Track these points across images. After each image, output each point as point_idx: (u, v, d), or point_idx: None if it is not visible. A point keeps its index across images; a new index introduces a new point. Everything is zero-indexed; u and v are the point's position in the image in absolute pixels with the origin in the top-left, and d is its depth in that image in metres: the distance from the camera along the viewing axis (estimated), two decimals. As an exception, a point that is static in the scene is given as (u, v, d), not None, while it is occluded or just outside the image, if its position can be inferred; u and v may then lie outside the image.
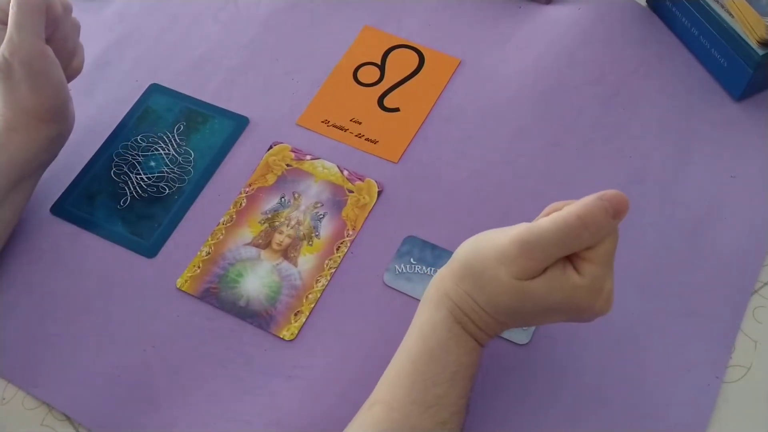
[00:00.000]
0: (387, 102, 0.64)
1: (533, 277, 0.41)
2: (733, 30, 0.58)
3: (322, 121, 0.64)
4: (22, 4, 0.52)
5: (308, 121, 0.64)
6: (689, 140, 0.60)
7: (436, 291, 0.46)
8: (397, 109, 0.64)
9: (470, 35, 0.68)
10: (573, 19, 0.67)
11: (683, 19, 0.63)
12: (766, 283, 0.54)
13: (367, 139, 0.62)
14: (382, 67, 0.66)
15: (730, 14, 0.58)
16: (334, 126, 0.64)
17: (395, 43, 0.68)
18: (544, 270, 0.41)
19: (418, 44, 0.67)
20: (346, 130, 0.63)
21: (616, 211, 0.41)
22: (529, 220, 0.57)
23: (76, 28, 0.59)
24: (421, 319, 0.46)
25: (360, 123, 0.63)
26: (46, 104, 0.56)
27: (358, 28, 0.69)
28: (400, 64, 0.67)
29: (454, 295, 0.44)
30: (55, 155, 0.60)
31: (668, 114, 0.62)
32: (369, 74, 0.66)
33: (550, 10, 0.68)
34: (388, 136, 0.63)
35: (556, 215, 0.41)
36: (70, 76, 0.59)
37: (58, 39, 0.57)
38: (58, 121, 0.57)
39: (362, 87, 0.66)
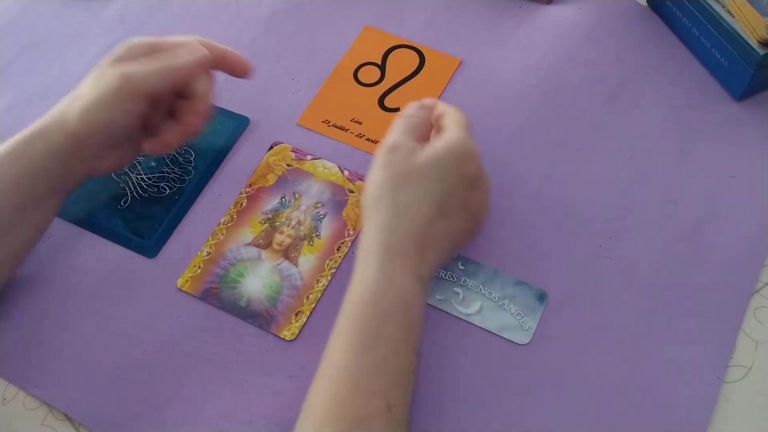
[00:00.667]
0: (388, 102, 0.64)
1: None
2: (734, 30, 0.58)
3: (323, 121, 0.64)
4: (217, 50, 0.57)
5: (309, 121, 0.64)
6: (690, 140, 0.60)
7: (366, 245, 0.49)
8: (397, 109, 0.64)
9: (471, 35, 0.68)
10: (574, 19, 0.67)
11: (684, 19, 0.63)
12: (767, 283, 0.54)
13: (367, 140, 0.62)
14: (382, 67, 0.66)
15: (731, 14, 0.58)
16: (335, 126, 0.63)
17: (396, 43, 0.68)
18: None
19: (418, 44, 0.67)
20: (346, 130, 0.63)
21: None
22: (530, 220, 0.57)
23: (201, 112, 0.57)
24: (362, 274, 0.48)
25: (360, 123, 0.63)
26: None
27: (359, 28, 0.69)
28: (401, 64, 0.67)
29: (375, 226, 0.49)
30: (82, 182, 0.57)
31: (669, 114, 0.62)
32: (369, 74, 0.66)
33: (551, 10, 0.68)
34: None
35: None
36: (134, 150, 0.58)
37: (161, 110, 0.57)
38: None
39: (363, 87, 0.66)
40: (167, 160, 0.63)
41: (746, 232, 0.55)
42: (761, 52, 0.56)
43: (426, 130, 0.54)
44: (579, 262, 0.55)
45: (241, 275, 0.57)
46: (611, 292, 0.54)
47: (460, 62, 0.66)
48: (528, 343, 0.52)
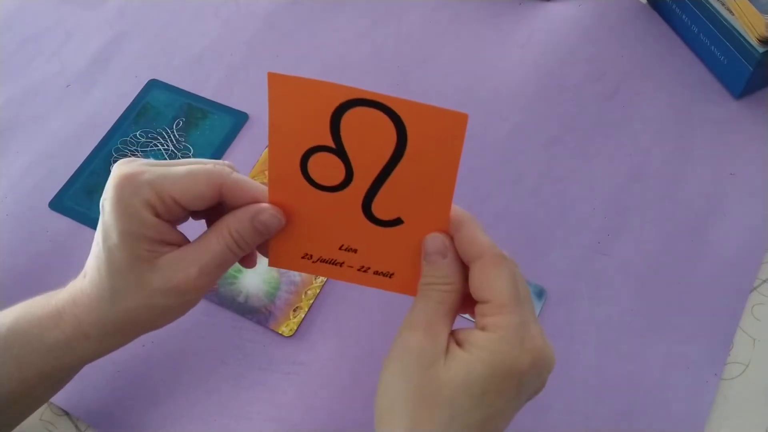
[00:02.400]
0: (378, 211, 0.40)
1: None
2: (733, 27, 0.58)
3: (303, 257, 0.42)
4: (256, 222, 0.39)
5: (282, 260, 0.42)
6: (689, 138, 0.60)
7: None
8: (399, 221, 0.40)
9: (470, 33, 0.68)
10: (573, 17, 0.67)
11: (683, 17, 0.63)
12: (765, 281, 0.54)
13: (380, 274, 0.43)
14: (341, 153, 0.38)
15: (731, 12, 0.58)
16: (323, 261, 0.42)
17: (340, 101, 0.35)
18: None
19: (379, 95, 0.35)
20: (341, 264, 0.42)
21: None
22: (528, 216, 0.57)
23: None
24: None
25: (356, 251, 0.41)
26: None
27: (359, 25, 0.69)
28: (367, 138, 0.37)
29: None
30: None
31: (668, 111, 0.62)
32: (325, 168, 0.38)
33: (551, 8, 0.68)
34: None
35: None
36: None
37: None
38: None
39: (327, 193, 0.39)
40: (166, 156, 0.63)
41: (745, 229, 0.55)
42: (760, 49, 0.56)
43: (458, 295, 0.38)
44: (577, 258, 0.55)
45: (240, 271, 0.57)
46: (609, 288, 0.54)
47: (467, 117, 0.35)
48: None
